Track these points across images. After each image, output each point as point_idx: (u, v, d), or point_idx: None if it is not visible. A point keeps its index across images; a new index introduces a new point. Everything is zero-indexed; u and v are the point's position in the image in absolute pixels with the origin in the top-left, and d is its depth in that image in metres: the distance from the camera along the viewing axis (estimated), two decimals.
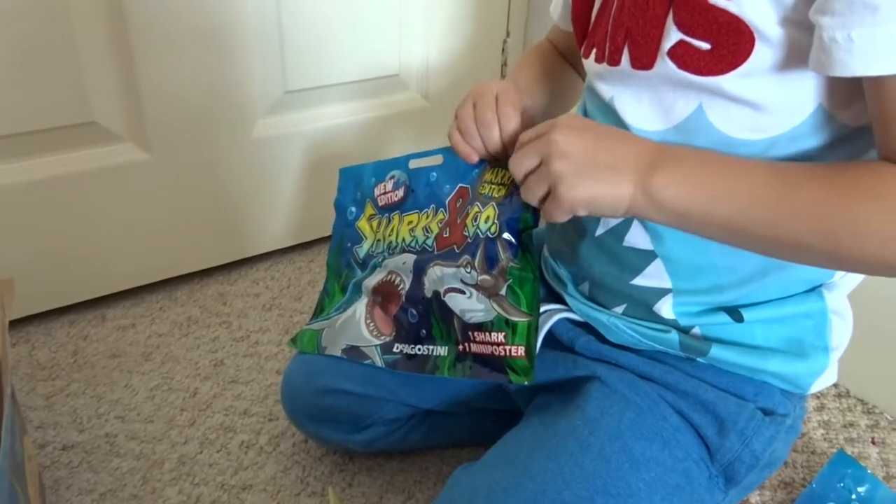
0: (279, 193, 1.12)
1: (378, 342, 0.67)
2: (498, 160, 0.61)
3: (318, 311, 0.75)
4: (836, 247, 0.44)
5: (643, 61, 0.53)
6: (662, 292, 0.57)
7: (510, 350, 0.57)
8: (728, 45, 0.47)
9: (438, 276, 0.62)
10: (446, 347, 0.61)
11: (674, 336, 0.58)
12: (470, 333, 0.59)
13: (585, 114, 0.63)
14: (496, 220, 0.59)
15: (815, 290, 0.57)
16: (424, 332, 0.63)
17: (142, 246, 1.03)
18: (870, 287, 0.60)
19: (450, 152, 0.63)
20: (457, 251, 0.61)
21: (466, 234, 0.61)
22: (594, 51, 0.59)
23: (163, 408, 0.85)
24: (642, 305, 0.59)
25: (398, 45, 1.14)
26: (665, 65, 0.51)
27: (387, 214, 0.70)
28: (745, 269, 0.55)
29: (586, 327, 0.63)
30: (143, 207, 1.01)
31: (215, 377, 0.91)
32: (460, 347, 0.60)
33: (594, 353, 0.62)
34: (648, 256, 0.57)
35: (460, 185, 0.63)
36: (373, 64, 1.13)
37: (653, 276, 0.57)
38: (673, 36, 0.50)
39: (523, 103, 0.60)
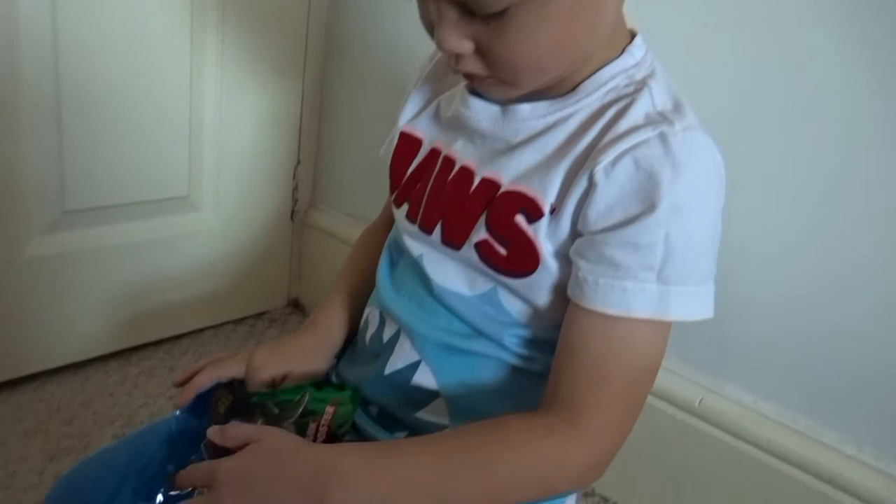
0: (52, 311, 1.09)
1: None
2: None
3: None
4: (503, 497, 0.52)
5: (453, 243, 0.60)
6: (442, 427, 0.62)
7: (325, 420, 0.61)
8: (519, 257, 0.56)
9: None
10: None
11: None
12: None
13: (391, 264, 0.67)
14: None
15: None
16: None
17: None
18: None
19: None
20: None
21: None
22: (406, 206, 0.65)
23: None
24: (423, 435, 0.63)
25: (188, 167, 1.18)
26: (470, 252, 0.58)
27: None
28: None
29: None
30: None
31: None
32: None
33: None
34: (433, 395, 0.62)
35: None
36: (161, 184, 1.15)
37: (435, 412, 0.62)
38: (481, 233, 0.58)
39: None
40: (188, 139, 1.16)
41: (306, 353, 0.70)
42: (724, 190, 0.55)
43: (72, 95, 1.00)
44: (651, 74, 0.57)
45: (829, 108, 0.80)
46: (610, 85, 0.56)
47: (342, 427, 0.62)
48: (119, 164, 1.08)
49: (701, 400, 0.91)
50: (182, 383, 0.65)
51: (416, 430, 0.64)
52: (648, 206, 0.51)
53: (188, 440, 0.61)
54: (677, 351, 0.95)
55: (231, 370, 0.66)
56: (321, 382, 0.66)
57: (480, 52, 0.52)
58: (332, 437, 0.62)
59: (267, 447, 0.50)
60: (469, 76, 0.56)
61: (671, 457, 0.95)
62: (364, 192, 1.30)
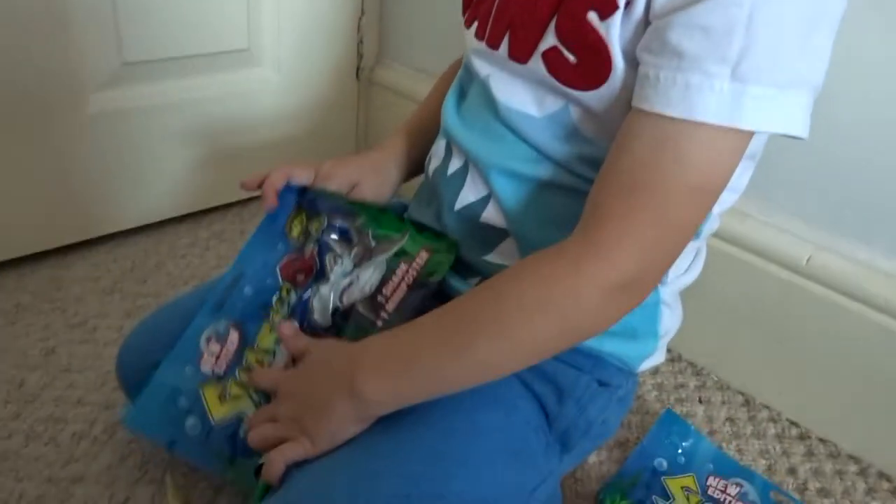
0: (120, 172, 1.06)
1: None
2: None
3: None
4: (517, 340, 0.49)
5: (519, 55, 0.54)
6: None
7: (415, 264, 0.59)
8: (590, 63, 0.50)
9: (325, 294, 0.60)
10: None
11: None
12: (380, 298, 0.59)
13: (460, 93, 0.63)
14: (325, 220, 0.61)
15: None
16: None
17: None
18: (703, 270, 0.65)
19: (246, 261, 0.62)
20: (318, 269, 0.61)
21: (309, 251, 0.62)
22: (475, 24, 0.60)
23: None
24: None
25: (247, 17, 1.10)
26: (537, 64, 0.53)
27: (234, 370, 0.60)
28: None
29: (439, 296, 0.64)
30: None
31: (45, 366, 0.85)
32: (379, 322, 0.59)
33: None
34: (502, 234, 0.58)
35: (282, 260, 0.62)
36: (220, 36, 1.09)
37: (504, 255, 0.59)
38: (549, 40, 0.52)
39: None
40: None
41: (376, 166, 0.69)
42: None
43: None
44: None
45: None
46: None
47: (433, 275, 0.58)
48: (176, 14, 1.02)
49: (809, 258, 0.83)
50: (250, 185, 0.65)
51: (488, 276, 0.59)
52: None
53: (264, 265, 0.62)
54: (778, 200, 0.86)
55: (300, 175, 0.65)
56: (422, 226, 0.62)
57: None
58: (420, 284, 0.58)
59: (315, 358, 0.56)
60: None
61: (771, 321, 0.87)
62: (434, 44, 1.21)
